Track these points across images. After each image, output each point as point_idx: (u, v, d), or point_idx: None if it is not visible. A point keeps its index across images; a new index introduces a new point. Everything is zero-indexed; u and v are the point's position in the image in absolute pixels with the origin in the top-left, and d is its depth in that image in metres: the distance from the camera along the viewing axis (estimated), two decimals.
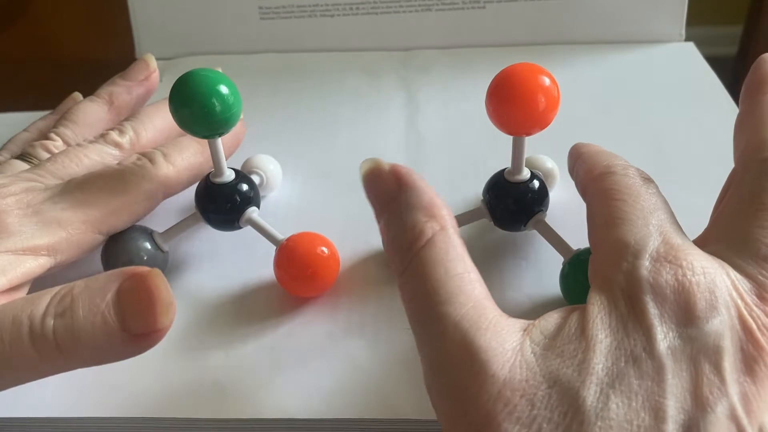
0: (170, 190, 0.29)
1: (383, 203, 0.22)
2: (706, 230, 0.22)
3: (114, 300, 0.21)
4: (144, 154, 0.29)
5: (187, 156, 0.30)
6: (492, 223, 0.29)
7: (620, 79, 0.43)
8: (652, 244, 0.20)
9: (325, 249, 0.28)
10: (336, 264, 0.28)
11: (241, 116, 0.33)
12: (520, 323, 0.20)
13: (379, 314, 0.28)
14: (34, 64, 0.58)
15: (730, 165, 0.34)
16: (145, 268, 0.21)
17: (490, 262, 0.30)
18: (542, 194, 0.28)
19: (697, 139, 0.37)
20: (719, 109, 0.40)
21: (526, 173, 0.27)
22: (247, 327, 0.28)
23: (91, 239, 0.27)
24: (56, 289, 0.21)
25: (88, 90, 0.36)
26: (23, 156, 0.31)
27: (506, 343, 0.19)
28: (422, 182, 0.22)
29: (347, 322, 0.28)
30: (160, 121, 0.32)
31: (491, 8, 0.46)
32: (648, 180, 0.24)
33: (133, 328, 0.21)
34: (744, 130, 0.24)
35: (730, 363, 0.18)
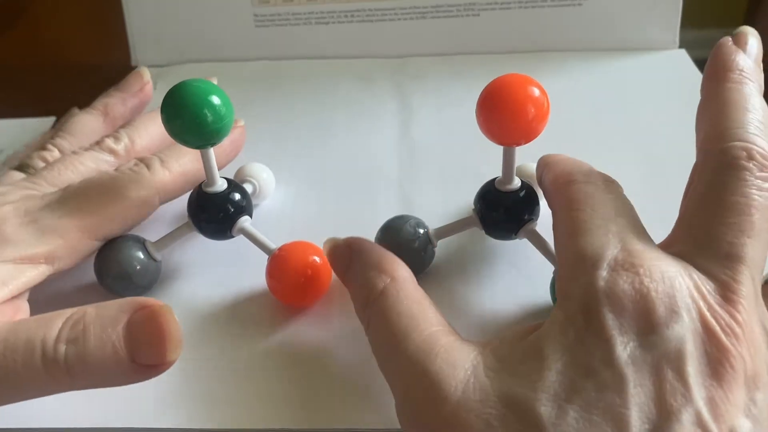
0: (167, 196, 0.30)
1: (344, 272, 0.25)
2: (673, 229, 0.22)
3: (124, 332, 0.21)
4: (141, 160, 0.29)
5: (185, 162, 0.30)
6: (483, 231, 0.29)
7: (612, 86, 0.43)
8: (611, 252, 0.20)
9: (317, 258, 0.28)
10: (328, 273, 0.29)
11: (242, 123, 0.34)
12: (474, 345, 0.20)
13: None
14: (32, 69, 0.58)
15: None
16: (156, 302, 0.22)
17: (481, 270, 0.30)
18: (532, 203, 0.28)
19: (688, 146, 0.37)
20: None
21: (516, 182, 0.28)
22: (238, 336, 0.28)
23: (87, 245, 0.27)
24: (68, 312, 0.22)
25: (87, 95, 0.37)
26: (21, 167, 0.31)
27: (458, 365, 0.20)
28: (371, 244, 0.25)
29: (339, 331, 0.28)
30: (155, 128, 0.33)
31: (485, 16, 0.46)
32: (609, 183, 0.23)
33: (141, 360, 0.21)
34: (704, 119, 0.23)
35: (693, 367, 0.18)
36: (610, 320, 0.18)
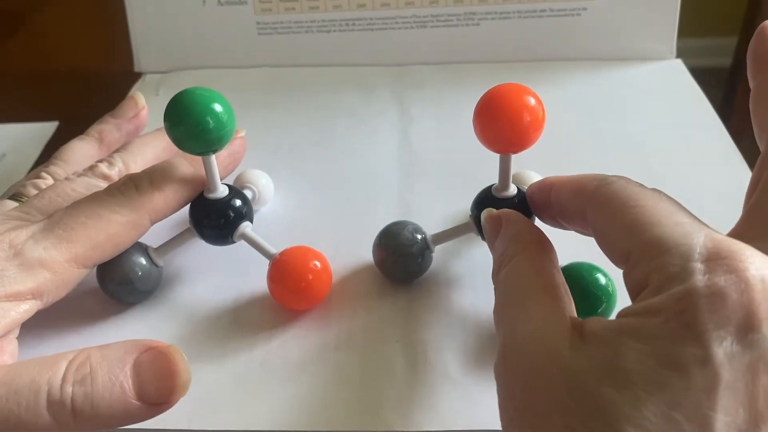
0: (158, 215, 0.28)
1: (493, 241, 0.26)
2: (741, 225, 0.21)
3: (132, 371, 0.22)
4: (130, 178, 0.28)
5: (177, 179, 0.29)
6: (480, 237, 0.29)
7: (609, 95, 0.43)
8: (697, 242, 0.18)
9: (317, 263, 0.29)
10: (328, 278, 0.29)
11: (243, 134, 0.33)
12: (573, 321, 0.20)
13: (368, 327, 0.28)
14: (36, 76, 0.59)
15: (717, 182, 0.35)
16: (163, 344, 0.22)
17: (477, 275, 0.30)
18: (528, 210, 0.28)
19: (684, 155, 0.38)
20: (706, 127, 0.40)
21: (512, 189, 0.28)
22: (239, 340, 0.28)
23: (76, 275, 0.26)
24: (71, 354, 0.22)
25: (91, 101, 0.37)
26: (14, 196, 0.30)
27: (548, 337, 0.20)
28: (518, 217, 0.25)
29: (337, 335, 0.28)
30: (151, 152, 0.32)
31: (485, 25, 0.46)
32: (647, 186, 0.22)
33: (149, 399, 0.22)
34: (764, 108, 0.22)
35: None
36: (706, 313, 0.17)
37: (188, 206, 0.30)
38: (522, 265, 0.23)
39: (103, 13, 0.62)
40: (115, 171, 0.30)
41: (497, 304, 0.23)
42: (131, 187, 0.28)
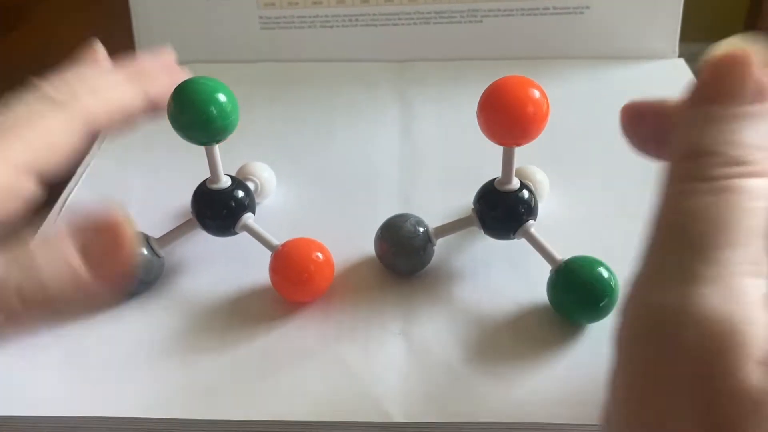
0: (96, 125, 0.25)
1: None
2: None
3: (79, 246, 0.20)
4: (65, 83, 0.26)
5: (120, 90, 0.26)
6: (482, 231, 0.29)
7: (612, 94, 0.43)
8: None
9: (320, 254, 0.29)
10: (331, 269, 0.29)
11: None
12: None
13: (370, 319, 0.28)
14: (36, 69, 0.59)
15: None
16: (109, 215, 0.21)
17: (479, 269, 0.30)
18: (531, 204, 0.28)
19: None
20: None
21: (515, 183, 0.28)
22: (240, 331, 0.28)
23: (24, 185, 0.23)
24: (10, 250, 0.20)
25: None
26: None
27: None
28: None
29: (339, 327, 0.28)
30: (114, 95, 0.27)
31: (488, 22, 0.46)
32: None
33: (99, 272, 0.20)
34: None
35: None
36: None
37: (191, 196, 0.30)
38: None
39: (105, 6, 0.62)
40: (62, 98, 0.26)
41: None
42: (66, 92, 0.25)
